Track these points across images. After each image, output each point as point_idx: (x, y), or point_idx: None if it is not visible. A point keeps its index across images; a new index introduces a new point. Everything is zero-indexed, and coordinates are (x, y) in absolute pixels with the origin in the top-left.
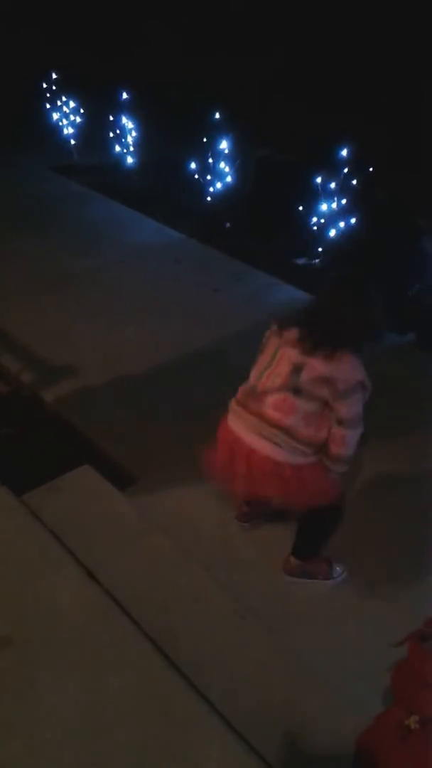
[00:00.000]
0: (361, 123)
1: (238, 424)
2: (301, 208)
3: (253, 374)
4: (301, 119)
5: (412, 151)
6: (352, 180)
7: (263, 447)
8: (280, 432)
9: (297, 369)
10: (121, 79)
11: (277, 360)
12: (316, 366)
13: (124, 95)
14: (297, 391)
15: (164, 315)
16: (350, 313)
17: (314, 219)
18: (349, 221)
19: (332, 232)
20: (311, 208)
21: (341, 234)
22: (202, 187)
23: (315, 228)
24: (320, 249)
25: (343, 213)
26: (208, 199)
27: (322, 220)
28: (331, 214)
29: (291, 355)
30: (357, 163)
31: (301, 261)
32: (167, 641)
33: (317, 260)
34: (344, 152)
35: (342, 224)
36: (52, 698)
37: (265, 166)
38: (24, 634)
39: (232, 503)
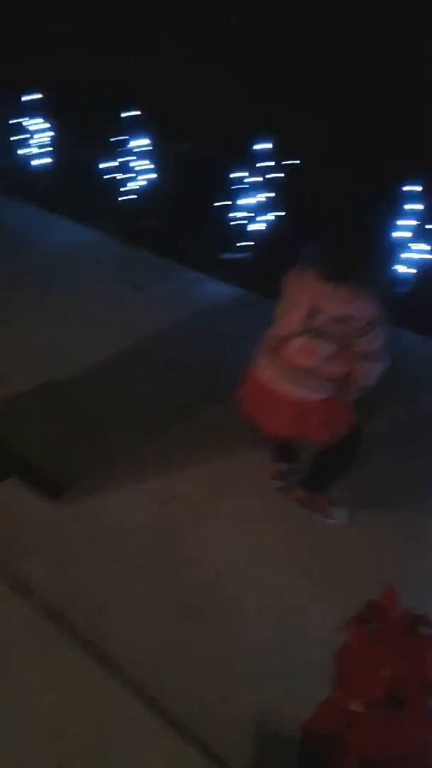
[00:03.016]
0: (281, 115)
1: (265, 371)
2: (224, 202)
3: (275, 323)
4: (219, 113)
5: (336, 142)
6: (273, 173)
7: (290, 390)
8: (305, 373)
9: (313, 313)
10: (31, 80)
11: (296, 306)
12: (332, 308)
13: (32, 96)
14: (317, 333)
15: (87, 317)
16: (359, 249)
17: (237, 213)
18: (273, 214)
19: (255, 226)
20: (234, 202)
21: (266, 226)
22: (121, 186)
23: (239, 222)
24: (245, 242)
25: (265, 206)
26: (129, 197)
27: (246, 214)
28: (253, 207)
29: (306, 299)
30: (278, 156)
31: (226, 255)
32: (106, 645)
33: (243, 254)
34: (264, 145)
35: (266, 217)
36: None
37: (185, 161)
38: None
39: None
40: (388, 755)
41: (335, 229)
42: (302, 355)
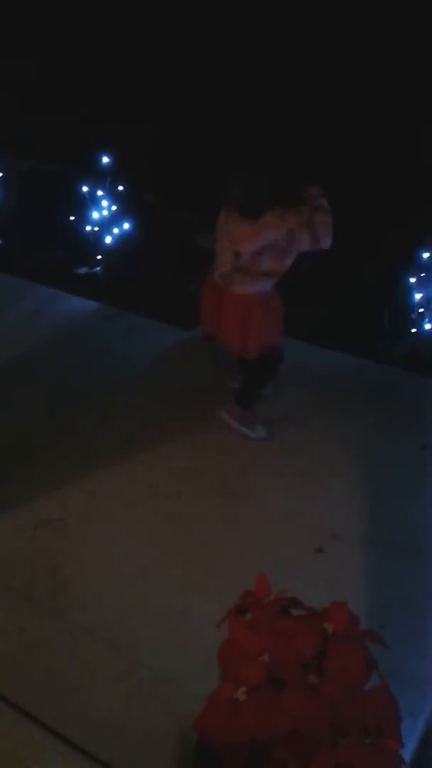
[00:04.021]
0: (121, 126)
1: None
2: (72, 217)
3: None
4: (60, 128)
5: (176, 150)
6: (119, 185)
7: (235, 288)
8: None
9: (237, 254)
10: None
11: (222, 248)
12: (246, 246)
13: None
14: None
15: None
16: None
17: (88, 227)
18: (122, 225)
19: (107, 239)
20: (83, 217)
21: (116, 239)
22: None
23: (90, 236)
24: (99, 256)
25: (115, 218)
26: None
27: (96, 228)
28: (103, 220)
29: (226, 242)
30: (121, 168)
31: (82, 270)
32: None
33: (98, 267)
34: (107, 158)
35: (116, 230)
36: None
37: (29, 178)
38: None
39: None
40: (273, 736)
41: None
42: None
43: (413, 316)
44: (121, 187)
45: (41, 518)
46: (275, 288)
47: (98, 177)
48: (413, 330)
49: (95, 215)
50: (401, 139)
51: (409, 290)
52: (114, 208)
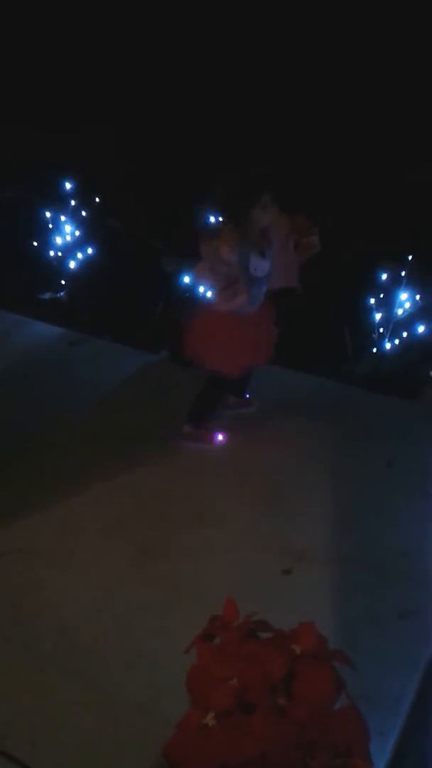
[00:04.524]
0: (83, 151)
1: None
2: (36, 243)
3: None
4: (21, 152)
5: (139, 175)
6: (82, 210)
7: None
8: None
9: None
10: None
11: None
12: None
13: None
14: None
15: None
16: None
17: (51, 252)
18: (86, 250)
19: (72, 263)
20: (47, 242)
21: (81, 264)
22: None
23: (54, 261)
24: (63, 281)
25: (79, 243)
26: None
27: (60, 253)
28: (67, 245)
29: None
30: (84, 193)
31: (46, 295)
32: None
33: (62, 292)
34: (69, 184)
35: (80, 254)
36: None
37: None
38: None
39: None
40: (243, 760)
41: None
42: None
43: (374, 335)
44: (84, 212)
45: (5, 548)
46: (244, 321)
47: (61, 202)
48: (374, 349)
49: (59, 240)
50: (363, 162)
51: (369, 310)
52: (78, 233)
